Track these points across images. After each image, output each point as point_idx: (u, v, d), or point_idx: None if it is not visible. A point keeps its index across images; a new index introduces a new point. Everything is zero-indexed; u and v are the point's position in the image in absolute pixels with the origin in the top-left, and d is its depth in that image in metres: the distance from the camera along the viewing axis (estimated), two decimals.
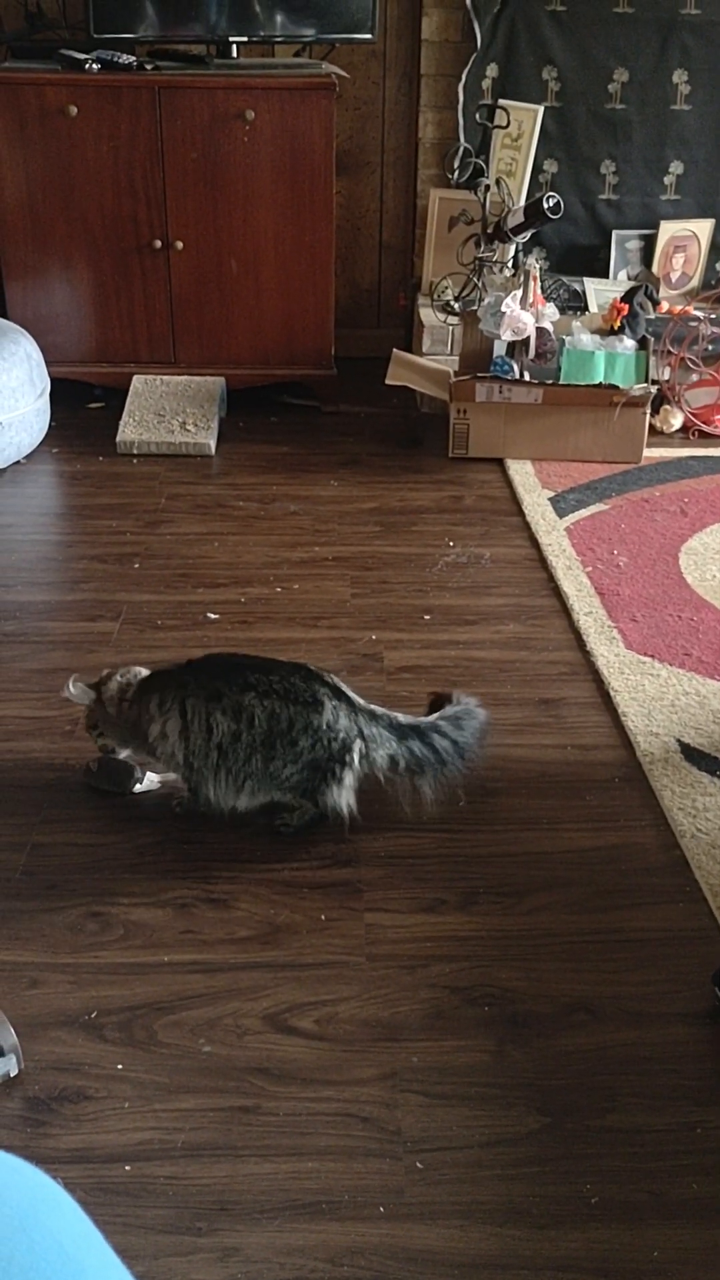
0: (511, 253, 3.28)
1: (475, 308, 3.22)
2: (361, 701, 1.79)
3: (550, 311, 3.21)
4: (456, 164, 3.59)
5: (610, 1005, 1.52)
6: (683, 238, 3.76)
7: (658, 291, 3.52)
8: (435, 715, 1.84)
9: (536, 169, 3.66)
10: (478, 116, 3.59)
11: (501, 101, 3.52)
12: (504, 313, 3.09)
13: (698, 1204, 1.27)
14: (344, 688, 1.79)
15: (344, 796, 1.76)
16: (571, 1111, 1.37)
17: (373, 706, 1.80)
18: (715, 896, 1.68)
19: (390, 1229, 1.24)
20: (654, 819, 1.85)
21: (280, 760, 1.73)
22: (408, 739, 1.78)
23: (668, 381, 3.40)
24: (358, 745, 1.75)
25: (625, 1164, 1.32)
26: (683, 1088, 1.40)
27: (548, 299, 3.34)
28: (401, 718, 1.81)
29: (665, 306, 3.52)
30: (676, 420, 3.39)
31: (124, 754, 1.88)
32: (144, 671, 1.86)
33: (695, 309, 3.51)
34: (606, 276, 3.74)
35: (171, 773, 1.83)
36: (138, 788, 1.88)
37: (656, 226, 3.73)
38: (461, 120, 3.64)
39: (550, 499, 2.96)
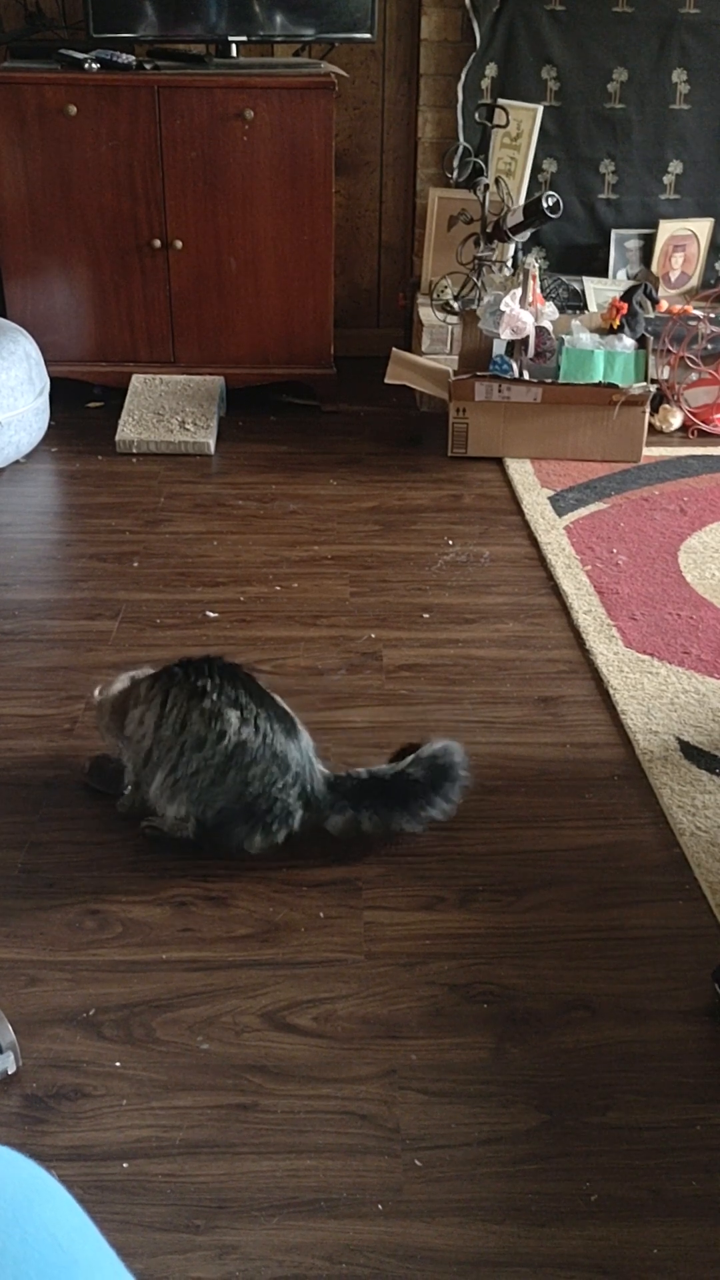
0: (511, 252, 3.28)
1: (474, 307, 3.22)
2: (322, 771, 1.74)
3: (549, 310, 3.21)
4: (456, 163, 3.59)
5: (609, 1003, 1.51)
6: (682, 237, 3.76)
7: (657, 290, 3.52)
8: (407, 760, 1.77)
9: (536, 168, 3.66)
10: (477, 116, 3.59)
11: (501, 101, 3.52)
12: (503, 312, 3.09)
13: (697, 1201, 1.27)
14: (313, 756, 1.74)
15: (260, 844, 1.72)
16: (570, 1109, 1.37)
17: (331, 772, 1.75)
18: (714, 894, 1.68)
19: (388, 1227, 1.24)
20: (653, 817, 1.85)
21: (220, 788, 1.68)
22: (367, 798, 1.72)
23: (667, 380, 3.40)
24: (299, 814, 1.71)
25: (624, 1161, 1.31)
26: (682, 1085, 1.40)
27: (547, 298, 3.34)
28: (366, 772, 1.75)
29: (664, 305, 3.52)
30: (676, 419, 3.39)
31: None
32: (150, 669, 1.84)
33: (694, 308, 3.51)
34: (605, 276, 3.74)
35: (128, 763, 1.78)
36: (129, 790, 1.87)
37: (655, 226, 3.73)
38: (461, 120, 3.64)
39: (549, 498, 2.96)
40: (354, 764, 1.80)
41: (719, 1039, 1.46)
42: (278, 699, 1.76)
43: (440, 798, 1.74)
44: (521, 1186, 1.28)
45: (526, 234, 3.21)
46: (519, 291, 3.14)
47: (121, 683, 1.83)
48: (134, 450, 3.24)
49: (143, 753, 1.72)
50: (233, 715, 1.68)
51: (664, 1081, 1.41)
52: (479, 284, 3.26)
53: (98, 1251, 0.58)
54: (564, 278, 3.67)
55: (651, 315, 3.38)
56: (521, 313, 3.11)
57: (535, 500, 2.95)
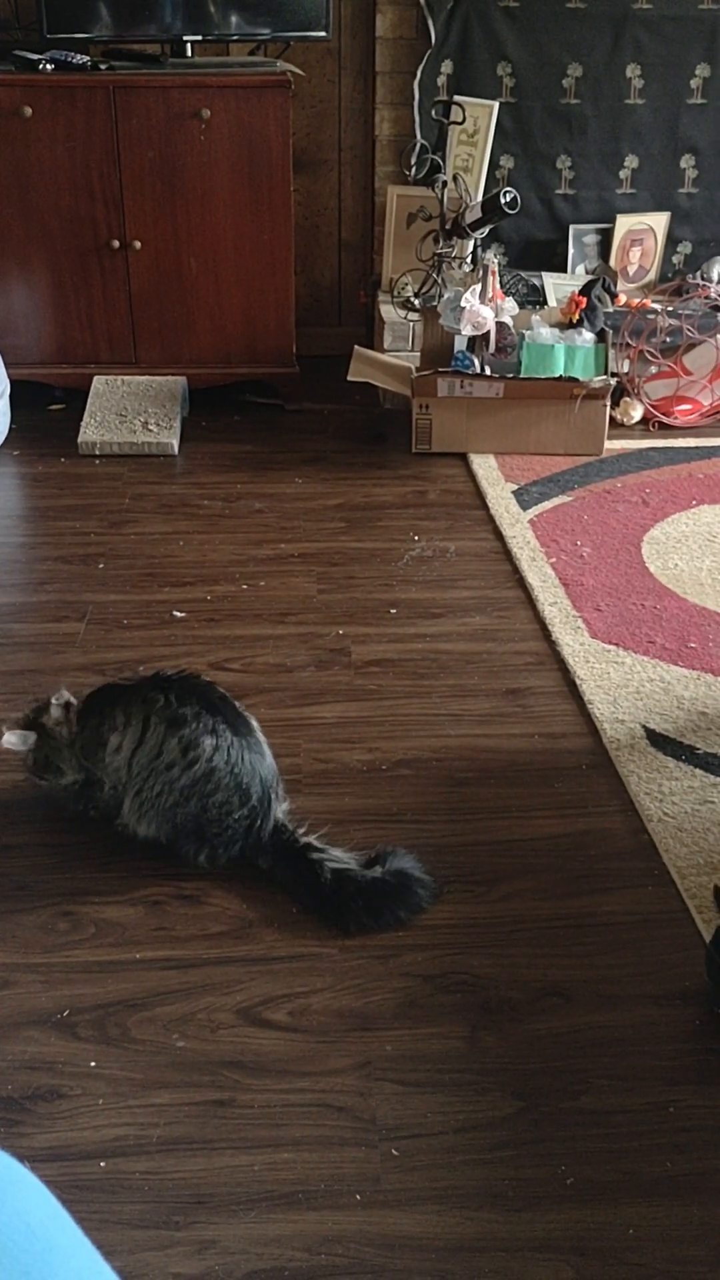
0: (470, 248, 3.30)
1: (435, 303, 3.23)
2: (277, 815, 1.72)
3: (510, 306, 3.23)
4: (414, 161, 3.60)
5: (581, 989, 1.53)
6: (639, 231, 3.79)
7: (615, 285, 3.55)
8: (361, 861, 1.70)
9: (493, 165, 3.67)
10: (433, 113, 3.60)
11: (457, 98, 3.54)
12: (464, 308, 3.10)
13: (671, 1181, 1.29)
14: (275, 792, 1.72)
15: (204, 862, 1.71)
16: (545, 1095, 1.38)
17: (287, 815, 1.75)
18: (683, 879, 1.70)
19: (367, 1216, 1.25)
20: (622, 804, 1.87)
21: (182, 809, 1.67)
22: (285, 860, 1.69)
23: (627, 374, 3.42)
24: (240, 844, 1.70)
25: (599, 1145, 1.33)
26: (655, 1068, 1.42)
27: (507, 294, 3.36)
28: (307, 841, 1.70)
29: (623, 299, 3.55)
30: (637, 412, 3.41)
31: (68, 780, 1.77)
32: (65, 692, 1.79)
33: (653, 301, 3.54)
34: (564, 270, 3.77)
35: (105, 780, 1.75)
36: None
37: (613, 220, 3.76)
38: (418, 117, 3.65)
39: (513, 492, 2.98)
40: (309, 820, 1.75)
41: (690, 1022, 1.48)
42: (253, 723, 1.75)
43: (367, 915, 1.62)
44: (498, 1172, 1.29)
45: (485, 230, 3.22)
46: (479, 287, 3.15)
47: (56, 706, 1.77)
48: (97, 452, 3.23)
49: (120, 778, 1.71)
50: (207, 744, 1.67)
51: (637, 1065, 1.42)
52: (439, 280, 3.27)
53: (73, 1239, 0.58)
54: (523, 273, 3.69)
55: (610, 309, 3.41)
56: (482, 309, 3.13)
57: (499, 494, 2.97)
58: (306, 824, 1.75)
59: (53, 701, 1.78)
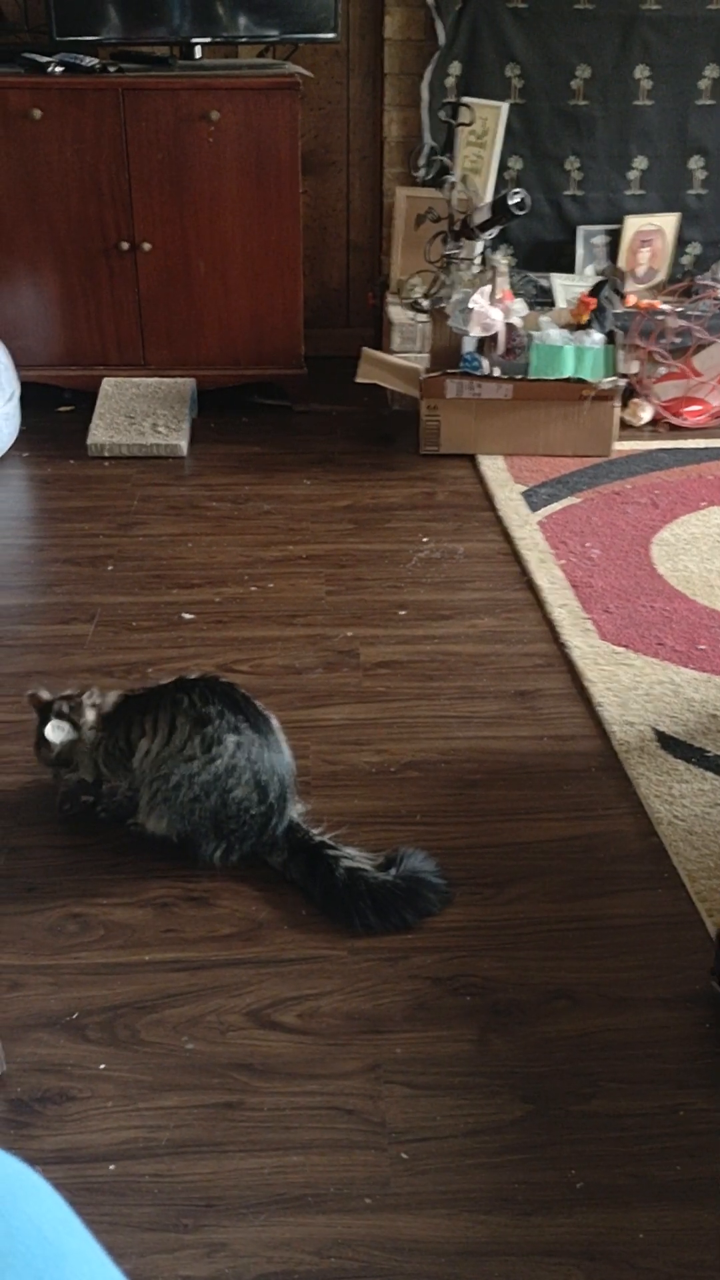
0: (479, 250, 3.30)
1: (444, 305, 3.23)
2: (292, 814, 1.73)
3: (518, 307, 3.22)
4: (422, 162, 3.60)
5: (591, 992, 1.52)
6: (648, 232, 3.78)
7: (624, 285, 3.54)
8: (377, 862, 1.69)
9: (501, 166, 3.67)
10: (442, 114, 3.60)
11: (465, 99, 3.54)
12: (472, 309, 3.10)
13: (681, 1185, 1.28)
14: (290, 792, 1.73)
15: (219, 859, 1.71)
16: (555, 1098, 1.38)
17: (301, 815, 1.75)
18: (693, 882, 1.69)
19: (377, 1220, 1.24)
20: (631, 807, 1.86)
21: (201, 804, 1.68)
22: (301, 855, 1.69)
23: (636, 375, 3.42)
24: (253, 840, 1.71)
25: (609, 1148, 1.32)
26: (664, 1071, 1.41)
27: (515, 295, 3.35)
28: (320, 838, 1.70)
29: (632, 300, 3.55)
30: (646, 413, 3.41)
31: (77, 776, 1.80)
32: (97, 691, 1.81)
33: (662, 302, 3.54)
34: (573, 271, 3.76)
35: (124, 782, 1.77)
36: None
37: (621, 221, 3.76)
38: (426, 118, 3.65)
39: (522, 493, 2.98)
40: (322, 821, 1.76)
41: (700, 1025, 1.48)
42: (273, 721, 1.76)
43: (372, 913, 1.62)
44: (508, 1176, 1.29)
45: (494, 231, 3.22)
46: (488, 289, 3.15)
47: (91, 706, 1.79)
48: (106, 454, 3.23)
49: (143, 774, 1.72)
50: (230, 740, 1.68)
51: (647, 1068, 1.42)
52: (447, 282, 3.27)
53: (83, 1244, 0.58)
54: (532, 274, 3.69)
55: (619, 310, 3.41)
56: (490, 310, 3.12)
57: (508, 496, 2.96)
58: (323, 824, 1.75)
59: (85, 701, 1.79)
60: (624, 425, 3.34)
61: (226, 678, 1.80)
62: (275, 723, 1.76)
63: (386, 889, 1.63)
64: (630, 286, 3.69)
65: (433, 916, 1.64)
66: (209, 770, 1.68)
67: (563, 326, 3.30)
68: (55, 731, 1.77)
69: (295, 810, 1.75)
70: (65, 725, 1.77)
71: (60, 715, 1.78)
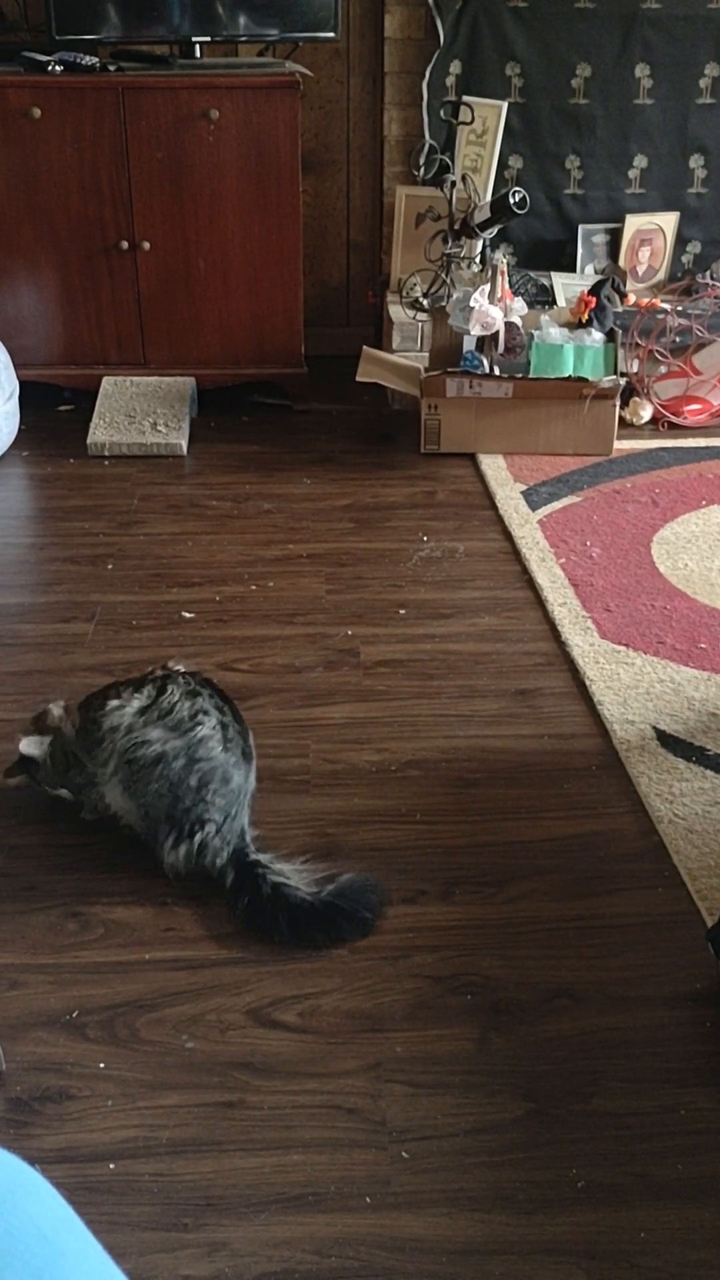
0: (479, 248, 3.29)
1: (444, 304, 3.23)
2: (243, 823, 1.71)
3: (518, 306, 3.22)
4: (422, 161, 3.60)
5: (592, 990, 1.52)
6: (648, 231, 3.78)
7: (624, 284, 3.54)
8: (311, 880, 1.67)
9: (502, 165, 3.67)
10: (442, 113, 3.60)
11: (465, 98, 3.53)
12: (472, 308, 3.10)
13: (682, 1184, 1.28)
14: (245, 801, 1.72)
15: (180, 859, 1.68)
16: (556, 1097, 1.38)
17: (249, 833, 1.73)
18: (693, 880, 1.69)
19: (377, 1219, 1.24)
20: (631, 805, 1.86)
21: (165, 772, 1.65)
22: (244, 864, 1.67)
23: (636, 373, 3.41)
24: (210, 831, 1.68)
25: (610, 1147, 1.32)
26: (665, 1070, 1.41)
27: (516, 293, 3.35)
28: (260, 857, 1.68)
29: (632, 299, 3.54)
30: (646, 412, 3.40)
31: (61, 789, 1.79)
32: (60, 700, 1.82)
33: (662, 301, 3.53)
34: (573, 270, 3.76)
35: (100, 769, 1.73)
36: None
37: (622, 220, 3.76)
38: (426, 117, 3.65)
39: (522, 492, 2.97)
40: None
41: (701, 1024, 1.47)
42: (250, 736, 1.76)
43: (288, 928, 1.60)
44: (509, 1175, 1.29)
45: (494, 230, 3.22)
46: (488, 287, 3.15)
47: (54, 713, 1.79)
48: (106, 453, 3.23)
49: (114, 739, 1.69)
50: (215, 716, 1.70)
51: (647, 1067, 1.41)
52: (448, 281, 3.27)
53: (83, 1243, 0.58)
54: (532, 273, 3.69)
55: (620, 309, 3.40)
56: (491, 309, 3.12)
57: (508, 495, 2.96)
58: (269, 852, 1.72)
59: (51, 710, 1.80)
60: (624, 424, 3.34)
61: (216, 676, 1.82)
62: (251, 738, 1.76)
63: (304, 909, 1.60)
64: (630, 285, 3.69)
65: (345, 943, 1.59)
66: (187, 738, 1.66)
67: (563, 325, 3.29)
68: (29, 745, 1.75)
69: (248, 826, 1.72)
70: (39, 739, 1.76)
71: (26, 733, 1.78)
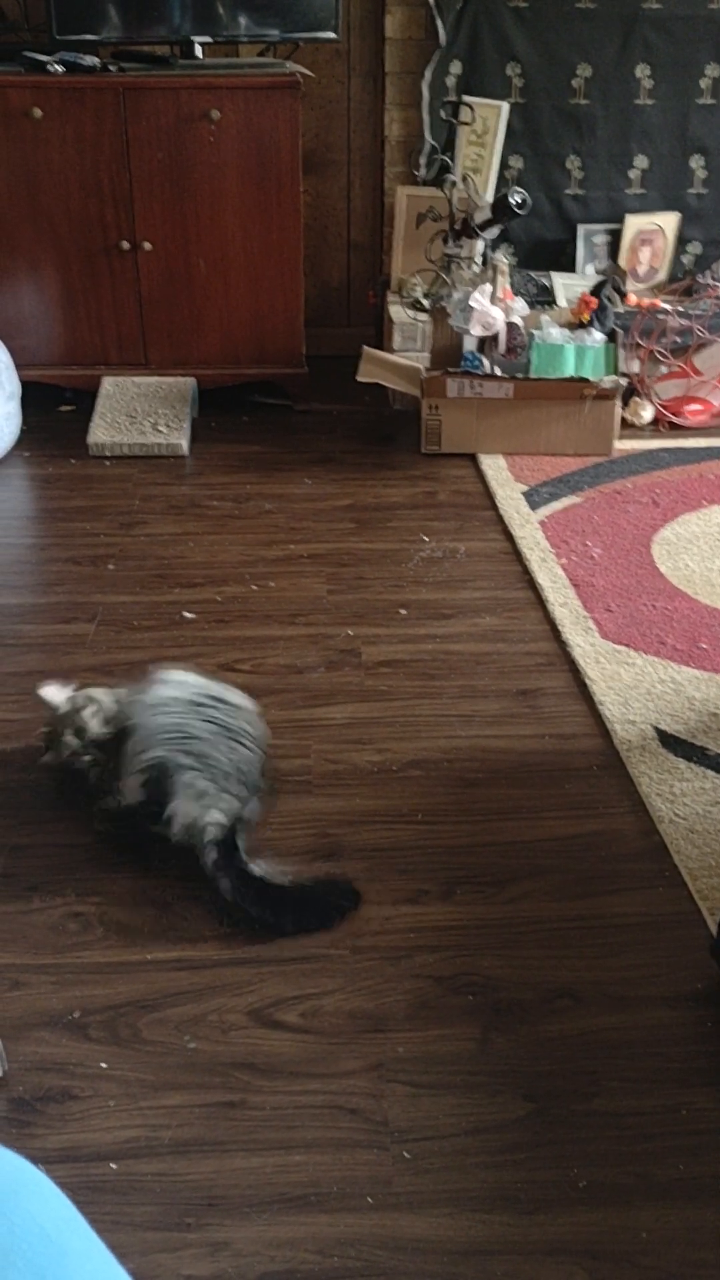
0: (479, 249, 3.29)
1: (444, 304, 3.23)
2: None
3: (519, 306, 3.22)
4: (423, 161, 3.60)
5: (593, 990, 1.52)
6: (649, 231, 3.78)
7: (625, 284, 3.54)
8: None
9: (502, 165, 3.67)
10: (443, 114, 3.60)
11: (466, 98, 3.54)
12: (473, 308, 3.10)
13: (684, 1184, 1.28)
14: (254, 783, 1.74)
15: (181, 807, 1.68)
16: (557, 1097, 1.38)
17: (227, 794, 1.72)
18: (694, 880, 1.69)
19: (379, 1219, 1.24)
20: (632, 805, 1.86)
21: (199, 729, 1.69)
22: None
23: (637, 374, 3.42)
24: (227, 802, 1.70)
25: (611, 1147, 1.32)
26: (667, 1070, 1.41)
27: (516, 294, 3.35)
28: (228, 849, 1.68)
29: (633, 299, 3.54)
30: (647, 413, 3.41)
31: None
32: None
33: (663, 301, 3.53)
34: (574, 271, 3.76)
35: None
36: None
37: (622, 220, 3.76)
38: (427, 118, 3.65)
39: (523, 492, 2.98)
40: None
41: (702, 1024, 1.48)
42: (247, 732, 1.79)
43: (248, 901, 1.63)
44: (510, 1175, 1.29)
45: (494, 230, 3.22)
46: (488, 288, 3.15)
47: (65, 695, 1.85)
48: (107, 453, 3.23)
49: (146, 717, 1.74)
50: (237, 695, 1.77)
51: (649, 1067, 1.42)
52: (448, 281, 3.27)
53: (86, 1242, 0.58)
54: (533, 273, 3.69)
55: (620, 309, 3.40)
56: (491, 309, 3.12)
57: (509, 495, 2.96)
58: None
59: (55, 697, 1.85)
60: (625, 424, 3.34)
61: (218, 677, 1.84)
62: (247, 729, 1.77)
63: (272, 893, 1.63)
64: (631, 285, 3.69)
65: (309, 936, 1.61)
66: (201, 693, 1.73)
67: (563, 325, 3.29)
68: (52, 691, 1.83)
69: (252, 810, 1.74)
70: (58, 686, 1.83)
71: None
